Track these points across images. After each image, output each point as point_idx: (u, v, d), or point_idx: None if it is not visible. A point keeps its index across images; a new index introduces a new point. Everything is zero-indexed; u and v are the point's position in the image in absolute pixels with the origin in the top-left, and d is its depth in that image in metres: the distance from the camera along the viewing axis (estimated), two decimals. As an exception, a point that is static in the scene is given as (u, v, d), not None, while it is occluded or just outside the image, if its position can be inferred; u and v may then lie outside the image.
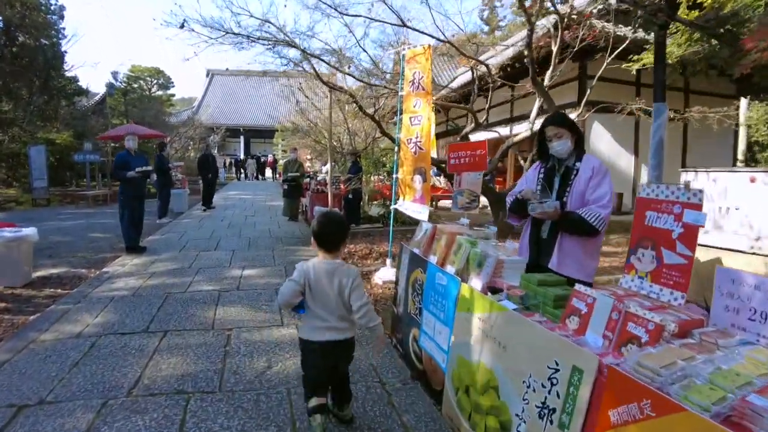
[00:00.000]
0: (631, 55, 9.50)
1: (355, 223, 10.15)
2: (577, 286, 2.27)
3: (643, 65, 9.43)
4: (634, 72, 9.90)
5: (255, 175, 31.84)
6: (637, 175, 12.92)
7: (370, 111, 7.90)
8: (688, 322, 1.99)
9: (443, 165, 9.17)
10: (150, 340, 3.81)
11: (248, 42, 6.10)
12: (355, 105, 7.36)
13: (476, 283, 2.80)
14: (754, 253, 4.16)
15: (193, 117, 30.22)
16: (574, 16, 8.06)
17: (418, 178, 5.64)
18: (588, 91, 8.99)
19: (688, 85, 13.41)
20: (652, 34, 9.80)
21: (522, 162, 10.34)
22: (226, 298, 4.94)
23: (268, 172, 32.69)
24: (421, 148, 5.52)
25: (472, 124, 7.59)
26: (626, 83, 12.20)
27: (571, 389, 1.90)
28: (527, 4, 6.38)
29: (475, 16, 37.77)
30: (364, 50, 12.14)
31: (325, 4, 6.15)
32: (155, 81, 40.08)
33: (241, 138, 39.36)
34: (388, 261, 6.13)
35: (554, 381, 2.00)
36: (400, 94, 5.79)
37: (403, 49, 5.77)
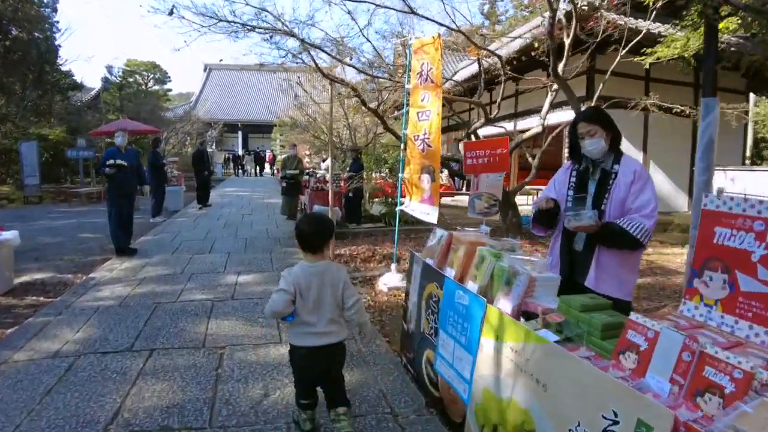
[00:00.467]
0: (644, 49, 9.12)
1: (356, 222, 9.77)
2: (633, 316, 1.90)
3: (657, 59, 9.04)
4: (647, 65, 9.51)
5: (255, 171, 31.35)
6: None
7: (372, 105, 7.51)
8: (782, 367, 1.62)
9: (450, 162, 8.83)
10: (134, 361, 3.43)
11: (244, 32, 5.69)
12: (356, 99, 6.96)
13: (505, 304, 2.43)
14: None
15: (190, 112, 29.73)
16: (585, 6, 7.68)
17: (426, 177, 5.25)
18: (600, 86, 8.61)
19: (698, 80, 13.04)
20: (664, 28, 9.54)
21: (530, 159, 9.98)
22: (220, 309, 4.56)
23: (266, 168, 32.24)
24: (429, 146, 5.12)
25: (482, 119, 7.20)
26: (635, 78, 11.81)
27: (637, 449, 1.54)
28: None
29: (477, 8, 37.24)
30: (368, 39, 11.69)
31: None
32: (151, 76, 39.52)
33: (239, 133, 38.91)
34: (393, 266, 5.75)
35: (613, 436, 1.64)
36: (406, 87, 5.40)
37: (410, 39, 5.37)
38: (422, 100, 5.15)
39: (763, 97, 13.44)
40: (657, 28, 9.41)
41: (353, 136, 12.37)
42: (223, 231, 9.12)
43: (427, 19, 5.72)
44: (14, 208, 13.49)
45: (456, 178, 15.79)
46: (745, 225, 1.86)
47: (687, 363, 1.65)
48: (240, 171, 31.65)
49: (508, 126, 13.51)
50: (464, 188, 16.34)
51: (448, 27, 5.94)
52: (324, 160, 17.64)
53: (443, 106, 5.68)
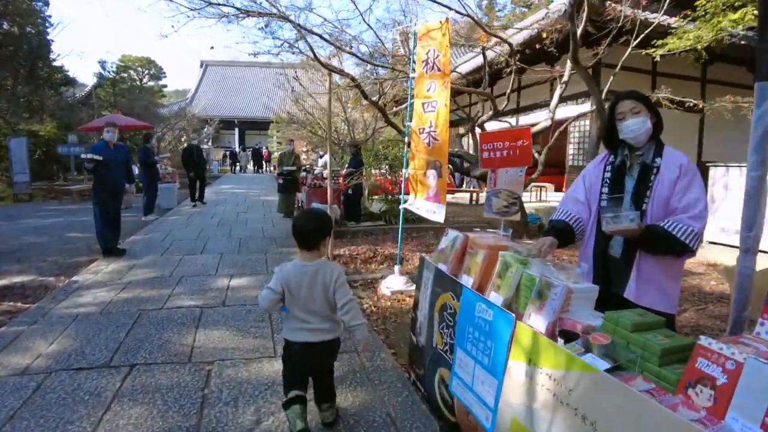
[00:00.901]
0: (655, 41, 8.76)
1: (355, 220, 9.41)
2: (704, 340, 1.55)
3: (669, 51, 8.68)
4: (658, 57, 9.14)
5: (254, 168, 30.88)
6: (654, 170, 12.19)
7: (373, 98, 7.13)
8: None
9: (453, 158, 8.45)
10: (111, 379, 3.06)
11: (236, 17, 5.31)
12: (355, 91, 6.58)
13: (537, 321, 2.07)
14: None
15: (185, 108, 29.24)
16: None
17: (431, 173, 4.89)
18: (611, 78, 8.24)
19: (705, 74, 12.75)
20: (673, 20, 9.17)
21: (536, 155, 9.61)
22: (209, 318, 4.18)
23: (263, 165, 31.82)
24: (435, 139, 4.76)
25: (489, 112, 6.82)
26: (642, 72, 11.48)
27: None
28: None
29: (475, 3, 36.81)
30: (369, 26, 11.25)
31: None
32: (146, 71, 38.96)
33: (236, 130, 38.52)
34: (397, 268, 5.39)
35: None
36: (411, 76, 5.03)
37: (415, 25, 5.00)
38: (428, 90, 4.78)
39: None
40: (666, 20, 9.06)
41: (352, 131, 11.99)
42: (216, 230, 8.74)
43: (434, 1, 5.32)
44: (3, 206, 13.09)
45: (457, 174, 15.39)
46: None
47: (785, 404, 1.30)
48: (237, 168, 31.16)
49: (511, 121, 13.16)
50: (464, 185, 16.00)
51: (456, 11, 5.54)
52: (321, 156, 17.25)
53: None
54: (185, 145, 13.13)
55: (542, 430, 1.89)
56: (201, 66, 45.03)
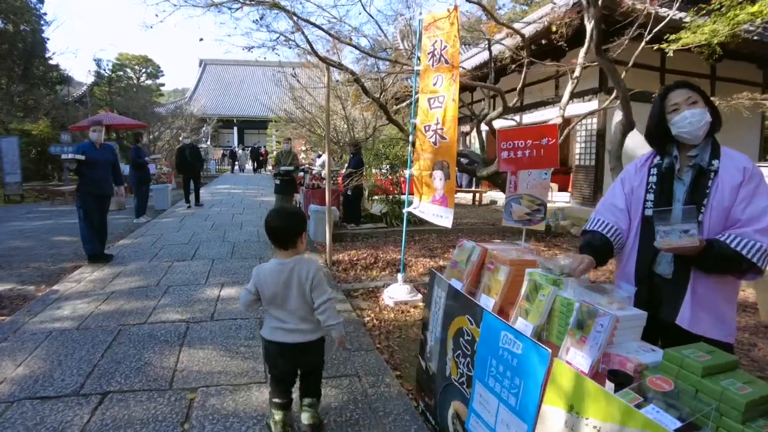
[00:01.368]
0: (667, 35, 8.39)
1: (355, 222, 9.04)
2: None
3: (684, 45, 8.30)
4: (671, 53, 8.76)
5: (254, 167, 30.42)
6: (662, 170, 11.84)
7: (374, 94, 6.76)
8: None
9: (459, 158, 8.08)
10: (79, 411, 2.68)
11: (229, 9, 4.94)
12: (355, 88, 6.20)
13: (578, 357, 1.72)
14: None
15: (183, 107, 28.81)
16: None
17: (438, 174, 4.52)
18: (623, 74, 7.86)
19: (715, 71, 12.40)
20: (684, 15, 8.81)
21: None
22: (195, 334, 3.81)
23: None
24: (443, 137, 4.39)
25: (499, 108, 6.46)
26: (650, 68, 11.10)
27: None
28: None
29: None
30: (370, 15, 10.85)
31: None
32: (143, 70, 38.49)
33: (235, 129, 38.17)
34: (400, 276, 5.02)
35: None
36: (416, 69, 4.66)
37: (420, 14, 4.63)
38: (434, 84, 4.41)
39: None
40: (678, 14, 8.70)
41: (352, 129, 11.62)
42: (209, 233, 8.35)
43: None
44: (-7, 207, 12.71)
45: (459, 175, 15.02)
46: None
47: None
48: (236, 167, 30.71)
49: (515, 119, 12.78)
50: (471, 185, 15.57)
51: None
52: (319, 156, 16.85)
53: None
54: (181, 143, 12.71)
55: (588, 497, 1.53)
56: (200, 65, 44.73)
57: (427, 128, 4.54)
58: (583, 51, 6.55)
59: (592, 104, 10.91)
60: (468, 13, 6.40)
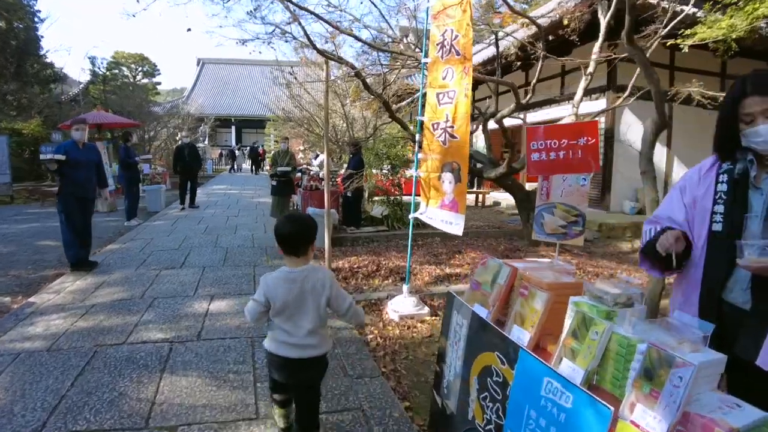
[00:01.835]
0: (682, 30, 8.01)
1: (355, 225, 8.64)
2: None
3: (701, 40, 7.92)
4: (686, 49, 8.39)
5: (252, 168, 29.94)
6: (669, 170, 11.51)
7: (374, 90, 6.35)
8: None
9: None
10: (35, 457, 2.29)
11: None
12: (354, 84, 5.79)
13: (647, 417, 1.34)
14: None
15: (180, 106, 28.36)
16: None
17: (447, 176, 4.12)
18: (637, 71, 7.46)
19: (725, 69, 12.03)
20: (700, 12, 8.44)
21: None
22: (179, 357, 3.40)
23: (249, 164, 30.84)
24: (453, 136, 4.00)
25: (512, 105, 6.06)
26: (659, 66, 10.70)
27: None
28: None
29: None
30: (372, 3, 10.43)
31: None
32: (140, 68, 38.00)
33: (233, 128, 37.80)
34: (405, 287, 4.62)
35: None
36: (423, 61, 4.26)
37: (428, 1, 4.23)
38: (444, 78, 4.01)
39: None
40: (692, 10, 8.34)
41: (351, 129, 11.22)
42: (202, 237, 7.93)
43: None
44: (-20, 209, 12.28)
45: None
46: None
47: None
48: (234, 167, 30.24)
49: (517, 120, 12.40)
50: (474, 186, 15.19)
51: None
52: (317, 156, 16.40)
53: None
54: (179, 143, 12.30)
55: None
56: (198, 64, 44.39)
57: (435, 126, 4.15)
58: (597, 45, 6.17)
59: (600, 102, 10.56)
60: (475, 3, 6.00)
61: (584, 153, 2.24)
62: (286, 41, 5.97)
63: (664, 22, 6.93)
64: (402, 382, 3.18)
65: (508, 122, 10.67)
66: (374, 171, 10.09)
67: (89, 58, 21.11)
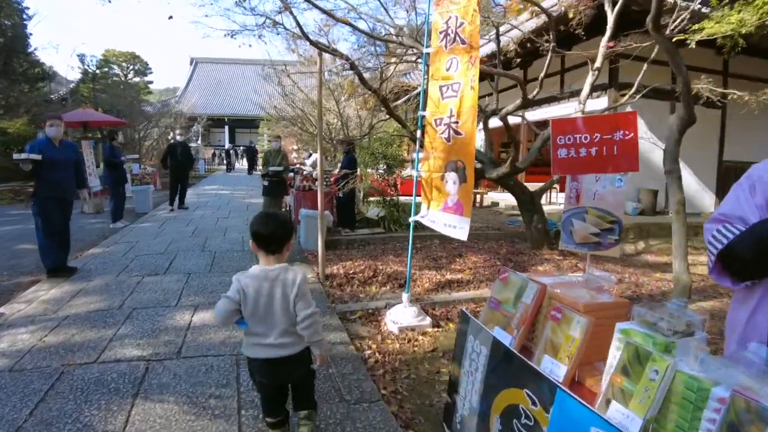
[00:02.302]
0: (689, 25, 7.75)
1: (349, 227, 8.31)
2: None
3: (708, 36, 7.66)
4: (693, 45, 8.12)
5: (249, 168, 29.43)
6: (672, 170, 11.23)
7: (370, 85, 6.02)
8: None
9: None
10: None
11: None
12: (351, 76, 5.46)
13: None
14: None
15: (172, 105, 27.89)
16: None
17: (451, 176, 3.81)
18: (644, 67, 7.18)
19: (727, 67, 11.82)
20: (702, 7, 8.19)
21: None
22: (155, 379, 3.04)
23: (244, 163, 30.35)
24: (458, 133, 3.68)
25: (518, 101, 5.75)
26: (660, 64, 10.45)
27: None
28: None
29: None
30: None
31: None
32: (131, 67, 37.44)
33: (226, 128, 37.37)
34: (405, 296, 4.29)
35: None
36: (425, 51, 3.94)
37: (430, -14, 3.90)
38: (448, 69, 3.70)
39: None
40: (698, 6, 8.10)
41: (345, 127, 10.88)
42: (189, 240, 7.55)
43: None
44: (-39, 210, 11.85)
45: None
46: None
47: None
48: (229, 167, 29.73)
49: (516, 118, 12.12)
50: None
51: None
52: (310, 155, 16.04)
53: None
54: (173, 141, 11.92)
55: None
56: (191, 63, 44.00)
57: (438, 122, 3.82)
58: (605, 38, 5.86)
59: (602, 101, 10.30)
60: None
61: (620, 149, 1.91)
62: (278, 33, 5.62)
63: (672, 17, 6.66)
64: (404, 407, 2.85)
65: (517, 120, 10.38)
66: (369, 171, 9.77)
67: (78, 55, 20.61)
